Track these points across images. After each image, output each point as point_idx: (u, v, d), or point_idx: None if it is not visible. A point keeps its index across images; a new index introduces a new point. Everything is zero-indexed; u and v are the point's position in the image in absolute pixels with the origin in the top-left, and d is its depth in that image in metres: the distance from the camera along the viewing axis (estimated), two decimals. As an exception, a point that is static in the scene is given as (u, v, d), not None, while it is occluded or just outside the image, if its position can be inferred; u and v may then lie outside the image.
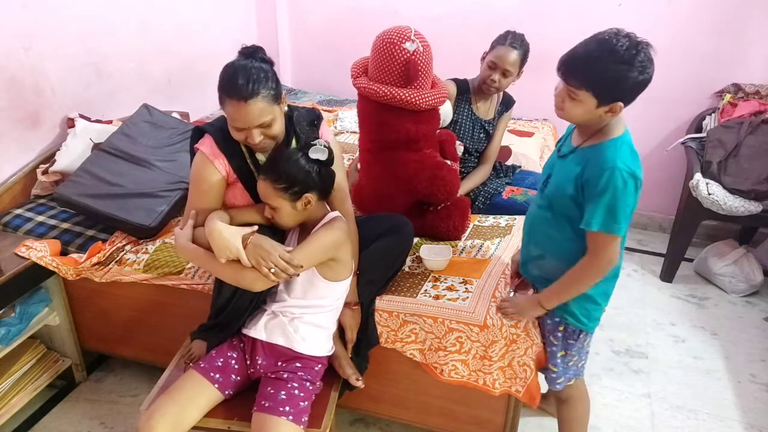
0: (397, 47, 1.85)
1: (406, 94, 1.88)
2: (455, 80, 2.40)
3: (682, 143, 3.01)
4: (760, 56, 3.01)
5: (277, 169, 1.47)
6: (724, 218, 2.68)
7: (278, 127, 1.51)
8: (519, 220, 2.22)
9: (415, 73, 1.88)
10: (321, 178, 1.50)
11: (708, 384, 2.27)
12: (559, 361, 1.62)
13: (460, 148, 2.23)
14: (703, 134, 2.90)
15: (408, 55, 1.85)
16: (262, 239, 1.43)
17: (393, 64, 1.88)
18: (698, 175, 2.65)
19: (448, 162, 2.11)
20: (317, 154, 1.48)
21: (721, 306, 2.78)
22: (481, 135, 2.42)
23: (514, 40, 2.23)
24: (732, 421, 2.09)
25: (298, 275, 1.45)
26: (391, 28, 1.91)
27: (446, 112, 2.18)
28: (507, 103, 2.48)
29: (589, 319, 1.56)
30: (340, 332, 1.69)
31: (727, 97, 3.00)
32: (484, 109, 2.41)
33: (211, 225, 1.46)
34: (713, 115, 3.04)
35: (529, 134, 3.15)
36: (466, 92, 2.39)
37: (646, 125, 3.33)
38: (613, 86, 1.30)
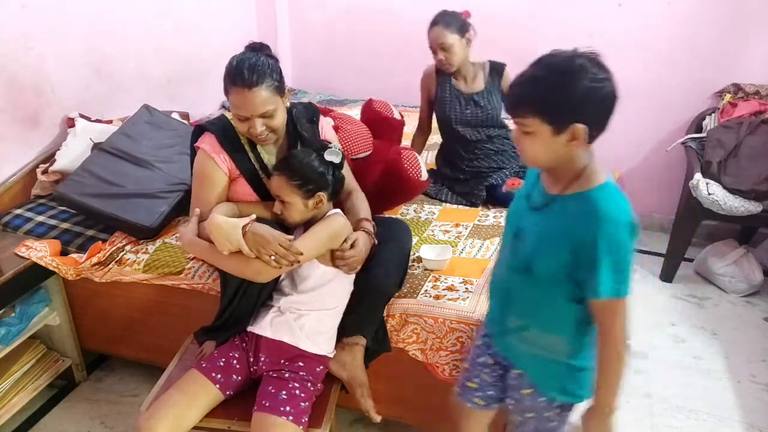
0: None
1: None
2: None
3: (682, 143, 3.01)
4: (760, 56, 3.01)
5: (294, 166, 1.52)
6: (724, 218, 2.68)
7: (280, 120, 1.55)
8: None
9: None
10: (334, 180, 1.57)
11: (708, 384, 2.27)
12: None
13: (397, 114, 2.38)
14: (703, 134, 2.90)
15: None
16: (261, 227, 1.44)
17: None
18: (698, 175, 2.65)
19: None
20: (332, 156, 1.55)
21: (721, 306, 2.78)
22: (474, 109, 2.42)
23: (436, 20, 2.29)
24: (732, 421, 2.09)
25: (299, 262, 1.46)
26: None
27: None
28: (497, 70, 2.47)
29: (583, 387, 1.29)
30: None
31: (727, 97, 3.00)
32: (467, 85, 2.44)
33: (210, 219, 1.48)
34: (713, 115, 3.03)
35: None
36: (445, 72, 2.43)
37: (646, 125, 3.32)
38: (560, 101, 1.08)
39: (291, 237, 1.46)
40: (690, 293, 2.87)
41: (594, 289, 1.14)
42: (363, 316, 1.65)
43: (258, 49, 1.56)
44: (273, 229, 1.45)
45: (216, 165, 1.58)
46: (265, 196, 1.64)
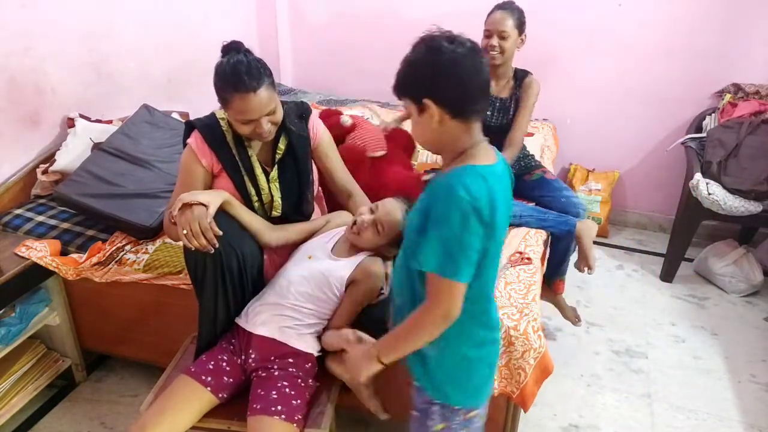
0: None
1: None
2: None
3: (682, 143, 3.01)
4: (760, 56, 3.01)
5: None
6: (724, 218, 2.68)
7: (280, 113, 1.57)
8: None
9: None
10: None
11: (708, 384, 2.27)
12: None
13: (346, 119, 2.28)
14: (703, 134, 2.91)
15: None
16: (201, 210, 1.44)
17: None
18: (698, 175, 2.65)
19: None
20: None
21: (721, 306, 2.78)
22: (497, 114, 2.40)
23: (503, 5, 2.26)
24: (732, 421, 2.09)
25: (210, 251, 1.45)
26: None
27: None
28: (520, 77, 2.40)
29: (468, 395, 1.24)
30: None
31: (727, 97, 3.00)
32: (497, 88, 2.39)
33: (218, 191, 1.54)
34: (713, 115, 3.04)
35: (529, 134, 3.15)
36: None
37: (646, 125, 3.33)
38: (409, 78, 1.13)
39: (219, 233, 1.45)
40: (690, 293, 2.88)
41: (419, 258, 1.11)
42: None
43: (238, 49, 1.55)
44: (204, 215, 1.43)
45: (198, 161, 1.61)
46: (246, 193, 1.65)
